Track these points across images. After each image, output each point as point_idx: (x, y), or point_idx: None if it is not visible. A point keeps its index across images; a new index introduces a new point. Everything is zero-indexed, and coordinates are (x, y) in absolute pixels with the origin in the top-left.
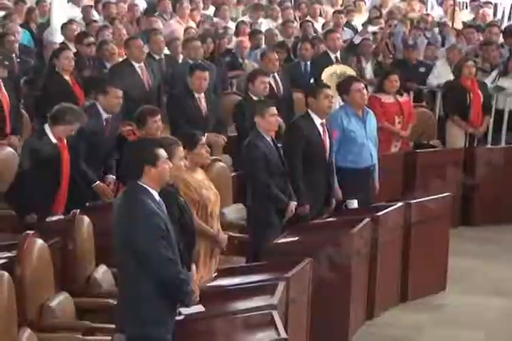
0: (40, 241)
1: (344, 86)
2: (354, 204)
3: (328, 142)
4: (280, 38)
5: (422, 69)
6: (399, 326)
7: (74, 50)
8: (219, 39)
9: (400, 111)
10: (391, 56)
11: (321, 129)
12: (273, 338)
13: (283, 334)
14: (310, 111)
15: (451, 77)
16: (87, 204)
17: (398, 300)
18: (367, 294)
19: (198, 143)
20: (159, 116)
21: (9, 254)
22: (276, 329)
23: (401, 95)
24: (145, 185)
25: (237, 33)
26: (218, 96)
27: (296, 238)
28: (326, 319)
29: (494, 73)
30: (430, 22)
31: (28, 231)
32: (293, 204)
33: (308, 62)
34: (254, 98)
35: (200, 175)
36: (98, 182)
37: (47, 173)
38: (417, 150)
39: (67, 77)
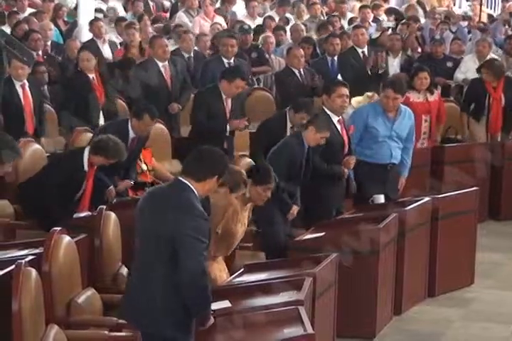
0: (67, 238)
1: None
2: (381, 199)
3: (346, 138)
4: (305, 34)
5: (450, 64)
6: (427, 321)
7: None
8: (244, 35)
9: (428, 111)
10: (420, 50)
11: (339, 127)
12: (300, 333)
13: (309, 330)
14: (326, 109)
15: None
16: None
17: (426, 294)
18: (394, 289)
19: (267, 184)
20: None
21: (37, 251)
22: (303, 324)
23: (432, 93)
24: (195, 190)
25: (263, 29)
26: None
27: (323, 233)
28: (353, 314)
29: None
30: (457, 16)
31: (55, 228)
32: (295, 208)
33: (335, 58)
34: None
35: (246, 211)
36: (111, 186)
37: (67, 192)
38: (445, 145)
39: (91, 75)
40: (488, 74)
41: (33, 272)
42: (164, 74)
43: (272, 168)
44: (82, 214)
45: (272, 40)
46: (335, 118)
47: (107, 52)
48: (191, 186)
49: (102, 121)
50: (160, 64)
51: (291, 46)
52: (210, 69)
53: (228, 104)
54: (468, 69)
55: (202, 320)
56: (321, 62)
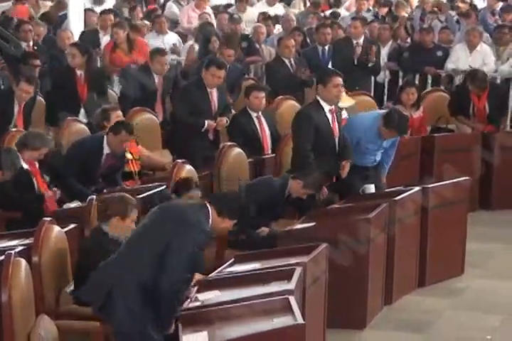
0: (57, 228)
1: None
2: (371, 189)
3: (337, 129)
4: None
5: (440, 53)
6: (417, 310)
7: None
8: (234, 24)
9: (411, 126)
10: (408, 39)
11: (329, 116)
12: (290, 323)
13: (300, 320)
14: (319, 98)
15: (469, 61)
16: (105, 190)
17: (416, 284)
18: (384, 279)
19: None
20: (120, 112)
21: (27, 241)
22: (293, 314)
23: (417, 109)
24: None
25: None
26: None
27: (313, 223)
28: (344, 304)
29: None
30: (445, 5)
31: (45, 218)
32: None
33: (326, 47)
34: (252, 113)
35: None
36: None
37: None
38: (435, 134)
39: (79, 72)
40: (472, 86)
41: (23, 262)
42: (157, 83)
43: (246, 201)
44: (72, 205)
45: (263, 30)
46: (327, 108)
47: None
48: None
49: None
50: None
51: (282, 36)
52: None
53: (214, 96)
54: (458, 58)
55: (164, 327)
56: (311, 51)
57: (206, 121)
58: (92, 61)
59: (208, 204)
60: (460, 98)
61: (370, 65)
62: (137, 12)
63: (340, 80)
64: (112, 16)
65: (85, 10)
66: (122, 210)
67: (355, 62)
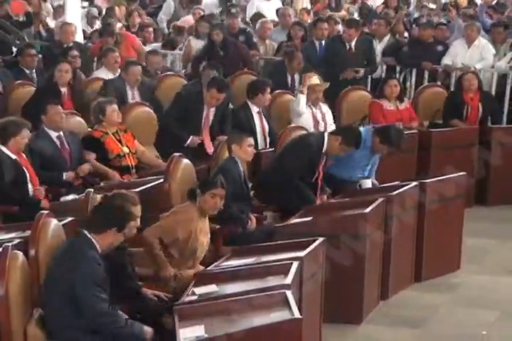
0: (54, 221)
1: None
2: (368, 184)
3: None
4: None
5: (440, 48)
6: (413, 306)
7: None
8: (231, 19)
9: (400, 119)
10: (406, 34)
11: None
12: (287, 318)
13: (297, 314)
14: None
15: (467, 56)
16: (102, 183)
17: (412, 280)
18: (381, 274)
19: (212, 190)
20: (116, 106)
21: (23, 234)
22: (290, 309)
23: (401, 101)
24: (93, 239)
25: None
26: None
27: (310, 218)
28: (340, 299)
29: (510, 53)
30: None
31: (43, 211)
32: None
33: (323, 42)
34: (252, 107)
35: (205, 221)
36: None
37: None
38: (432, 130)
39: (63, 89)
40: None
41: (20, 255)
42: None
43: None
44: (69, 198)
45: (270, 25)
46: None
47: None
48: (92, 238)
49: None
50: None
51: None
52: None
53: (209, 115)
54: (457, 53)
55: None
56: (309, 46)
57: (191, 137)
58: (76, 78)
59: (85, 232)
60: (454, 102)
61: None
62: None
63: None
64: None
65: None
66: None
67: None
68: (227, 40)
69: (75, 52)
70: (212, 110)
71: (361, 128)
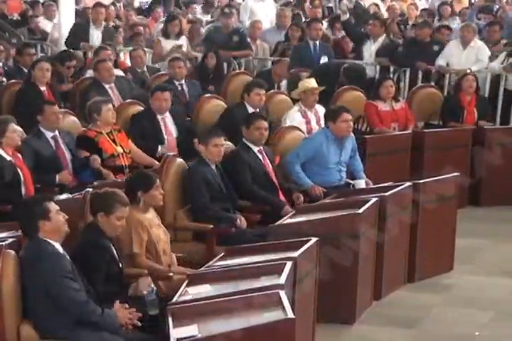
0: None
1: (332, 114)
2: (362, 184)
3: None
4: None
5: (436, 48)
6: (406, 306)
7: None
8: (225, 18)
9: (396, 119)
10: (400, 35)
11: (260, 156)
12: (280, 318)
13: (290, 314)
14: (245, 141)
15: (463, 57)
16: (96, 182)
17: (405, 280)
18: (374, 274)
19: (154, 184)
20: (111, 105)
21: (17, 233)
22: (284, 309)
23: (397, 101)
24: (45, 238)
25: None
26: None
27: (303, 218)
28: (333, 299)
29: (503, 54)
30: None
31: None
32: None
33: (318, 42)
34: (250, 108)
35: (150, 214)
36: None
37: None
38: (425, 130)
39: (43, 88)
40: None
41: (13, 255)
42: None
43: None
44: (62, 197)
45: (260, 25)
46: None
47: (96, 38)
48: (43, 238)
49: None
50: (106, 85)
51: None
52: None
53: (167, 122)
54: (452, 54)
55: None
56: (302, 47)
57: (160, 146)
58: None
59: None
60: (452, 104)
61: None
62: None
63: (265, 124)
64: (103, 10)
65: None
66: (107, 206)
67: None
68: (220, 64)
69: (73, 62)
70: (169, 118)
71: (317, 131)
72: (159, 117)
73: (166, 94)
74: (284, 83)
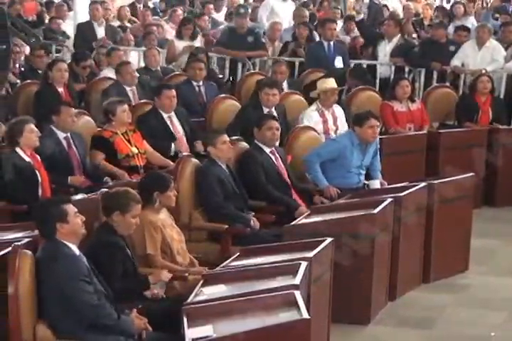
0: None
1: (359, 119)
2: (376, 184)
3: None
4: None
5: (452, 48)
6: (421, 307)
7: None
8: (240, 18)
9: (411, 120)
10: (415, 35)
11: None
12: (295, 318)
13: (305, 315)
14: (257, 142)
15: (478, 58)
16: (110, 183)
17: (420, 280)
18: (389, 275)
19: (170, 185)
20: (126, 106)
21: (33, 234)
22: (299, 309)
23: (413, 101)
24: (62, 240)
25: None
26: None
27: (319, 218)
28: (348, 299)
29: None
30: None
31: None
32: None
33: (332, 42)
34: (265, 109)
35: (163, 214)
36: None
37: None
38: (441, 131)
39: (60, 89)
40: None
41: (30, 254)
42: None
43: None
44: (78, 197)
45: (280, 27)
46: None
47: (100, 34)
48: (61, 240)
49: None
50: (128, 88)
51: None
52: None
53: (173, 121)
54: (467, 55)
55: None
56: (317, 47)
57: (173, 144)
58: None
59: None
60: (466, 104)
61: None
62: None
63: (276, 124)
64: (99, 6)
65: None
66: (122, 205)
67: None
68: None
69: (88, 62)
70: (174, 117)
71: (342, 133)
72: (165, 116)
73: (173, 92)
74: (284, 83)
